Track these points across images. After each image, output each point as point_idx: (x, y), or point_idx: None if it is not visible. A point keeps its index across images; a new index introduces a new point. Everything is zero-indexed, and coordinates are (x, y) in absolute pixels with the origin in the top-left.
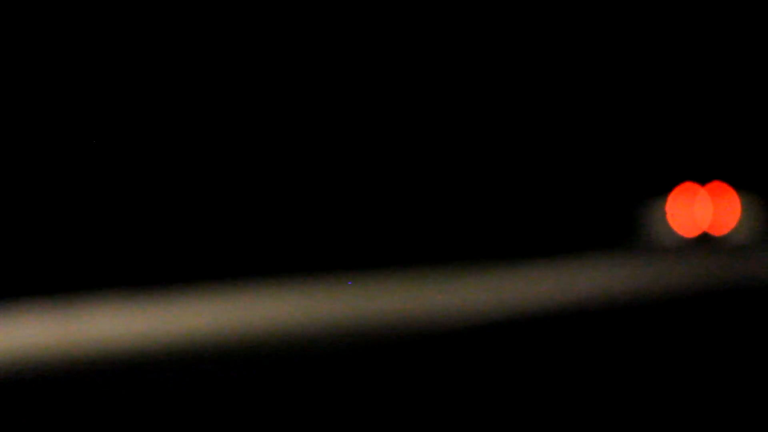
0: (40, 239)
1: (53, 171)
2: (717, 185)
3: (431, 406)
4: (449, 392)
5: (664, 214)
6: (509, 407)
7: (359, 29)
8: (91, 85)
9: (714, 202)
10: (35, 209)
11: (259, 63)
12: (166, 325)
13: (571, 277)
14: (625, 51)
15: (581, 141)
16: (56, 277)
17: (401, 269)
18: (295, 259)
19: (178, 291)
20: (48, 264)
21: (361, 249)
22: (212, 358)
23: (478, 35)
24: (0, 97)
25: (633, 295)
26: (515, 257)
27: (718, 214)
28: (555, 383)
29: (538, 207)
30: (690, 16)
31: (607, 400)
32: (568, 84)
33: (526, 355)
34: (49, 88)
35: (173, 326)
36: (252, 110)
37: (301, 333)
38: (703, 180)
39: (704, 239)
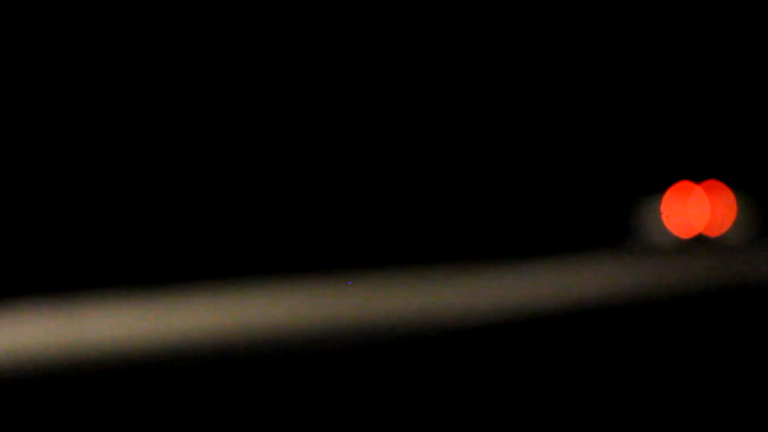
0: (39, 239)
1: (53, 171)
2: (713, 184)
3: (431, 406)
4: (448, 392)
5: (659, 214)
6: (508, 407)
7: (359, 29)
8: (91, 85)
9: (710, 201)
10: (35, 209)
11: (259, 63)
12: (165, 325)
13: (565, 278)
14: (619, 49)
15: (574, 140)
16: (56, 276)
17: (400, 269)
18: (295, 258)
19: (178, 291)
20: (48, 263)
21: (361, 249)
22: (212, 358)
23: (472, 36)
24: (0, 97)
25: (630, 296)
26: (509, 257)
27: (713, 215)
28: (553, 383)
29: (530, 207)
30: (684, 13)
31: (606, 400)
32: (561, 83)
33: (524, 355)
34: (49, 88)
35: (172, 326)
36: (252, 110)
37: (301, 333)
38: (698, 178)
39: (700, 240)
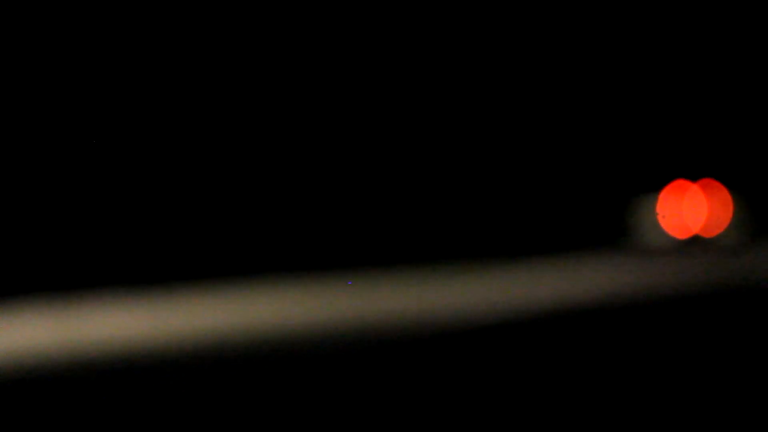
0: (39, 238)
1: (53, 170)
2: (708, 183)
3: (431, 406)
4: (447, 392)
5: (655, 214)
6: (507, 407)
7: (359, 29)
8: (91, 85)
9: (706, 202)
10: (35, 208)
11: (259, 63)
12: (164, 325)
13: (561, 279)
14: (615, 50)
15: (569, 140)
16: (56, 276)
17: (399, 269)
18: (295, 258)
19: (178, 290)
20: (48, 263)
21: (360, 249)
22: (212, 357)
23: (470, 38)
24: (0, 97)
25: (626, 297)
26: (505, 258)
27: (710, 215)
28: (550, 384)
29: (526, 207)
30: (679, 13)
31: (603, 400)
32: (557, 84)
33: (520, 355)
34: (49, 88)
35: (172, 326)
36: (252, 110)
37: (301, 333)
38: (693, 177)
39: (696, 240)
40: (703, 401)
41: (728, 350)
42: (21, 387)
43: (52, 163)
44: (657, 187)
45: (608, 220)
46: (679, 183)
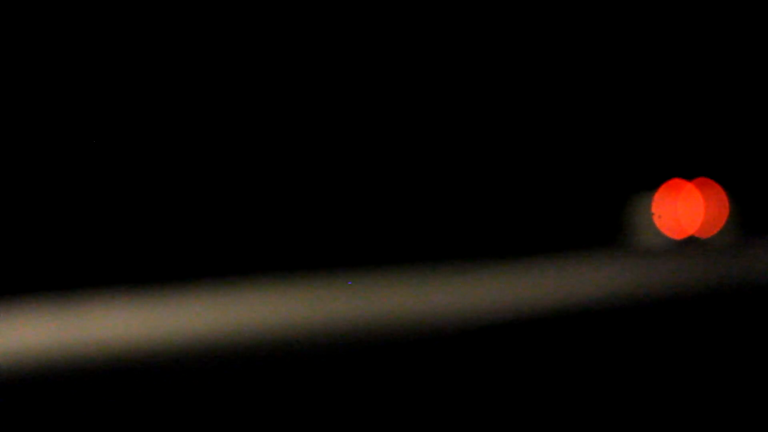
0: (40, 237)
1: (53, 170)
2: (704, 182)
3: (429, 405)
4: (445, 392)
5: (650, 214)
6: (506, 407)
7: (359, 29)
8: (91, 85)
9: (702, 202)
10: (35, 207)
11: (259, 63)
12: (164, 324)
13: (556, 279)
14: (609, 49)
15: (563, 139)
16: (56, 275)
17: (395, 269)
18: (295, 258)
19: (177, 290)
20: (48, 262)
21: (360, 248)
22: (212, 357)
23: (463, 37)
24: (0, 97)
25: (622, 298)
26: (499, 258)
27: (706, 216)
28: (548, 384)
29: (519, 207)
30: (673, 12)
31: (601, 400)
32: (551, 84)
33: (516, 355)
34: (49, 88)
35: (171, 325)
36: (252, 110)
37: (301, 333)
38: (688, 176)
39: (692, 241)
40: (701, 402)
41: (725, 351)
42: (21, 387)
43: (52, 162)
44: (652, 186)
45: (603, 220)
46: (675, 182)
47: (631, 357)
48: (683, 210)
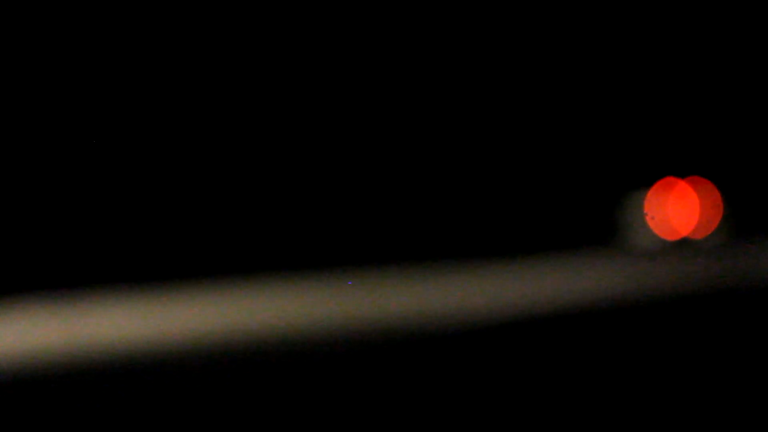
0: (40, 236)
1: (53, 169)
2: (697, 181)
3: (428, 405)
4: (442, 392)
5: (643, 214)
6: (504, 407)
7: (359, 29)
8: (91, 85)
9: (695, 203)
10: (36, 207)
11: (259, 63)
12: (164, 324)
13: (550, 279)
14: (602, 48)
15: (555, 138)
16: (56, 274)
17: (390, 269)
18: (295, 258)
19: (177, 289)
20: (48, 261)
21: (359, 249)
22: (211, 357)
23: (456, 36)
24: (0, 97)
25: (619, 299)
26: (492, 258)
27: (699, 217)
28: (545, 385)
29: (511, 207)
30: (667, 10)
31: (599, 401)
32: (543, 84)
33: (516, 357)
34: (49, 87)
35: (170, 325)
36: (252, 109)
37: (301, 333)
38: (681, 174)
39: (685, 242)
40: (695, 402)
41: (721, 352)
42: (21, 387)
43: (52, 162)
44: (645, 184)
45: (595, 220)
46: (668, 181)
47: (624, 359)
48: (676, 211)
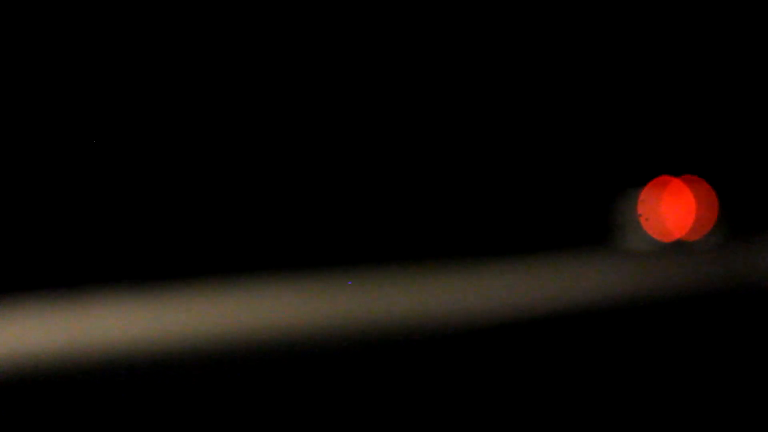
0: (41, 235)
1: (54, 168)
2: (692, 180)
3: (429, 406)
4: (439, 392)
5: (637, 215)
6: (500, 408)
7: (359, 29)
8: (91, 85)
9: (690, 203)
10: (36, 206)
11: (259, 63)
12: (163, 324)
13: (541, 281)
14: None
15: (546, 136)
16: (56, 274)
17: (384, 269)
18: (295, 258)
19: (176, 289)
20: (49, 260)
21: (359, 249)
22: (211, 357)
23: (451, 36)
24: (0, 97)
25: (615, 300)
26: (484, 258)
27: (694, 218)
28: (543, 386)
29: (500, 207)
30: (662, 9)
31: (596, 401)
32: (532, 82)
33: (512, 358)
34: (49, 87)
35: (170, 325)
36: (252, 109)
37: (301, 333)
38: (676, 173)
39: (680, 244)
40: (690, 403)
41: (717, 353)
42: (20, 387)
43: (52, 161)
44: (638, 184)
45: (587, 220)
46: (662, 180)
47: (617, 361)
48: (671, 213)
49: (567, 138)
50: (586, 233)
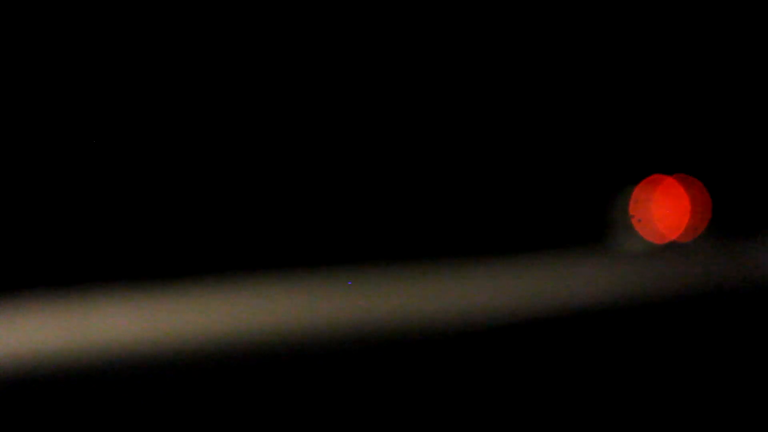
0: (41, 233)
1: (54, 168)
2: (685, 180)
3: (429, 406)
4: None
5: (630, 217)
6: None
7: (359, 29)
8: (91, 85)
9: (683, 204)
10: (36, 205)
11: (259, 63)
12: (164, 324)
13: (544, 280)
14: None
15: (538, 135)
16: (56, 273)
17: (380, 269)
18: (295, 257)
19: (176, 289)
20: (49, 259)
21: (359, 249)
22: (210, 357)
23: (446, 36)
24: (0, 97)
25: (610, 301)
26: (470, 260)
27: (688, 219)
28: (540, 386)
29: (489, 208)
30: (657, 7)
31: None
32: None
33: (509, 359)
34: (49, 87)
35: (171, 325)
36: (251, 109)
37: (301, 333)
38: (668, 172)
39: (673, 246)
40: (683, 405)
41: (712, 355)
42: (20, 387)
43: (52, 161)
44: (630, 182)
45: (579, 221)
46: (655, 179)
47: (610, 363)
48: (664, 214)
49: (556, 137)
50: (578, 234)
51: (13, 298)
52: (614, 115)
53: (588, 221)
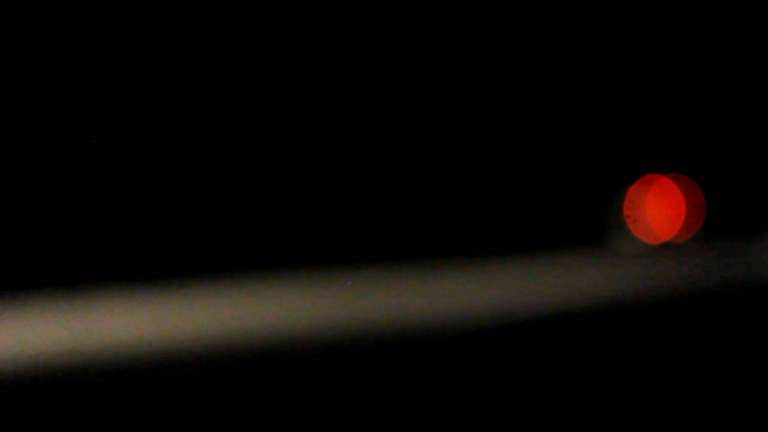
0: (40, 235)
1: (54, 168)
2: (680, 179)
3: (428, 406)
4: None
5: (625, 217)
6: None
7: (359, 29)
8: (91, 85)
9: (678, 204)
10: (36, 205)
11: (259, 62)
12: (164, 324)
13: (542, 280)
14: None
15: (534, 135)
16: (56, 273)
17: (378, 270)
18: (295, 257)
19: (176, 289)
20: (49, 259)
21: (359, 249)
22: (211, 357)
23: (445, 35)
24: (0, 97)
25: (606, 302)
26: (468, 260)
27: (682, 220)
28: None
29: (486, 208)
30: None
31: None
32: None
33: (508, 359)
34: (49, 87)
35: (171, 325)
36: (252, 109)
37: (301, 333)
38: (662, 172)
39: (668, 246)
40: (679, 406)
41: (709, 352)
42: (20, 387)
43: (52, 161)
44: (626, 181)
45: (576, 221)
46: (649, 178)
47: (607, 364)
48: (659, 214)
49: (551, 138)
50: (573, 235)
51: (13, 298)
52: (608, 116)
53: (583, 221)
